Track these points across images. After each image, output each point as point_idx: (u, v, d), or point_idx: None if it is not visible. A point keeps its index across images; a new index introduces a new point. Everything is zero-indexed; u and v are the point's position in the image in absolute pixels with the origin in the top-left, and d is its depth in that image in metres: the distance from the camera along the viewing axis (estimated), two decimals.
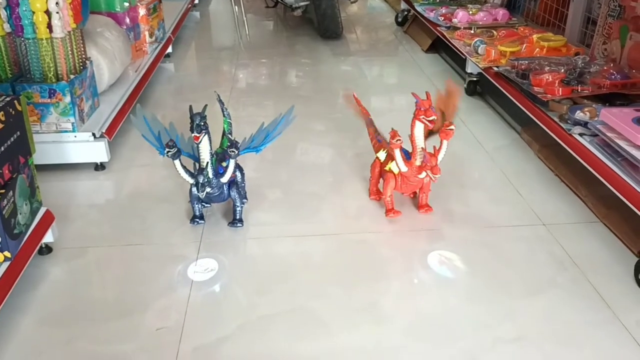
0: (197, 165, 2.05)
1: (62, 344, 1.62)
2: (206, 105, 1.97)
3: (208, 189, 2.01)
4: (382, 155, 2.20)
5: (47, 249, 1.98)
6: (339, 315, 1.73)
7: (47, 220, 1.93)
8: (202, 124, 1.90)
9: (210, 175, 2.00)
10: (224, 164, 2.03)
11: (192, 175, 2.02)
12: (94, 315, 1.73)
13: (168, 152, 1.94)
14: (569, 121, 2.32)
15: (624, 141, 1.98)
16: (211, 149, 1.98)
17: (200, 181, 1.98)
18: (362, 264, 1.96)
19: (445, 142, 2.06)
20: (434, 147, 2.08)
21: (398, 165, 2.06)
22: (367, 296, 1.81)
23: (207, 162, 1.98)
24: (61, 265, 1.95)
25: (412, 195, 2.30)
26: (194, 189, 2.05)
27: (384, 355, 1.59)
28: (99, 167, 2.54)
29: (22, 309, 1.74)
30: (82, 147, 2.47)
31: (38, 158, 2.12)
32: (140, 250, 2.03)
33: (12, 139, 1.71)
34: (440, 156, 2.07)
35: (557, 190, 2.40)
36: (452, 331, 1.67)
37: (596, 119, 2.21)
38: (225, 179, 2.03)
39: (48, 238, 1.94)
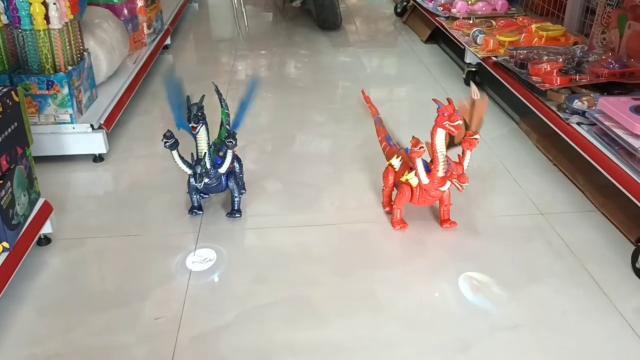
0: (195, 155, 2.05)
1: (61, 334, 1.63)
2: (203, 96, 1.97)
3: (206, 180, 2.01)
4: (396, 163, 2.04)
5: (45, 240, 1.99)
6: (336, 304, 1.73)
7: (46, 211, 1.93)
8: (200, 114, 1.90)
9: (208, 165, 2.00)
10: (222, 154, 2.03)
11: (190, 165, 2.02)
12: (93, 305, 1.73)
13: (165, 142, 1.94)
14: (567, 110, 2.32)
15: (622, 130, 1.99)
16: (209, 139, 1.98)
17: (198, 172, 1.98)
18: (360, 253, 1.97)
19: (468, 152, 1.90)
20: (458, 155, 1.95)
21: (419, 176, 1.90)
22: (364, 285, 1.81)
23: (205, 153, 1.98)
24: (60, 255, 1.96)
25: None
26: (192, 180, 2.05)
27: (381, 343, 1.59)
28: (98, 158, 2.54)
29: (21, 299, 1.75)
30: (81, 138, 2.47)
31: (36, 149, 2.12)
32: (138, 240, 2.04)
33: (9, 130, 1.71)
34: (465, 165, 1.91)
35: (555, 179, 2.40)
36: (448, 319, 1.68)
37: (594, 108, 2.21)
38: (223, 169, 2.03)
39: (46, 229, 1.95)
